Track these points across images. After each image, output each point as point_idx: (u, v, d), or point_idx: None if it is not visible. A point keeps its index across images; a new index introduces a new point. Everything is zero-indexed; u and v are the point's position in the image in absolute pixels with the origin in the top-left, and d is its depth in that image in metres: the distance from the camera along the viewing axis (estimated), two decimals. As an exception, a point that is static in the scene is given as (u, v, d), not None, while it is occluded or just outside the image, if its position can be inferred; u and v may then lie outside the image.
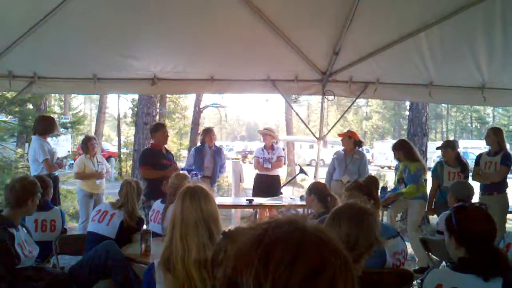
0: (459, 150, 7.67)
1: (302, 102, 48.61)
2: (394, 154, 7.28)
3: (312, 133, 7.83)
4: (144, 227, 5.00)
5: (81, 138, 8.47)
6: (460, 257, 2.52)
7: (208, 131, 8.24)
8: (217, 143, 8.83)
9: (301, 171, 9.61)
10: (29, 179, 4.16)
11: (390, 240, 3.48)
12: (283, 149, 10.53)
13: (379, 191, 6.96)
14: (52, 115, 10.25)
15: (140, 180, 5.69)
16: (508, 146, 7.13)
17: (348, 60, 6.48)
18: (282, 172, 10.67)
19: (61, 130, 14.48)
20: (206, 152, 7.99)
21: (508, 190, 6.80)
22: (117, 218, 4.60)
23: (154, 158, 6.78)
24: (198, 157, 7.91)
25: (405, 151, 7.03)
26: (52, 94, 24.53)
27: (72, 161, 9.70)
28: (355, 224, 2.27)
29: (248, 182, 9.81)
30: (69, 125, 15.55)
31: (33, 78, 6.40)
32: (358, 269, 2.23)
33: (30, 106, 14.07)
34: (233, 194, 9.68)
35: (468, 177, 7.01)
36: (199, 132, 17.93)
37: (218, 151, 8.20)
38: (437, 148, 7.42)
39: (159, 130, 7.04)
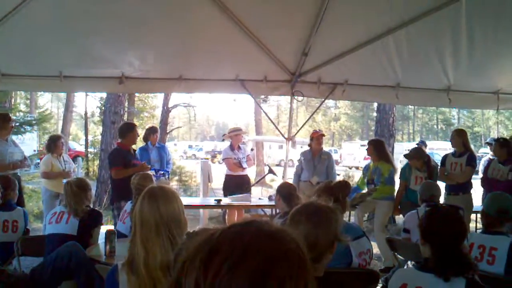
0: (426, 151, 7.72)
1: (272, 103, 48.74)
2: (367, 150, 7.35)
3: (281, 133, 7.86)
4: (112, 228, 4.92)
5: (47, 137, 8.29)
6: (425, 257, 2.55)
7: (152, 130, 8.21)
8: (187, 143, 8.81)
9: (270, 171, 9.60)
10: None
11: (356, 240, 3.50)
12: (252, 149, 10.54)
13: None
14: (17, 113, 10.06)
15: (108, 180, 5.60)
16: (472, 147, 7.24)
17: (317, 61, 6.51)
18: (251, 172, 10.67)
19: (27, 128, 14.21)
20: (151, 150, 7.97)
21: (472, 191, 6.92)
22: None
23: (125, 158, 6.65)
24: (144, 155, 7.83)
25: (380, 152, 7.11)
26: (18, 92, 24.05)
27: (38, 160, 9.49)
28: (313, 223, 2.23)
29: (217, 182, 9.77)
30: (34, 123, 15.25)
31: (-4, 75, 6.26)
32: (319, 269, 2.20)
33: (-6, 104, 13.75)
34: (201, 194, 9.62)
35: (436, 180, 7.09)
36: (167, 131, 17.82)
37: (162, 148, 8.28)
38: (405, 156, 7.46)
39: (132, 130, 6.88)
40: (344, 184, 4.32)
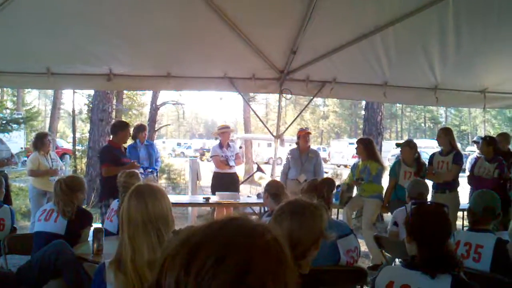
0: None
1: (261, 101, 48.80)
2: (357, 149, 7.37)
3: (269, 131, 7.87)
4: (99, 226, 4.88)
5: (34, 134, 8.24)
6: (412, 254, 2.57)
7: (141, 128, 8.14)
8: (175, 141, 8.78)
9: (258, 169, 9.62)
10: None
11: (344, 238, 3.51)
12: (240, 147, 10.54)
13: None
14: (3, 111, 9.98)
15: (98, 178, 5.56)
16: (459, 145, 7.29)
17: (305, 59, 6.52)
18: (239, 170, 10.67)
19: (14, 126, 14.12)
20: (139, 148, 7.92)
21: (459, 189, 6.98)
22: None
23: (115, 156, 6.62)
24: (132, 153, 7.79)
25: (369, 151, 7.14)
26: (5, 89, 23.82)
27: (25, 158, 9.41)
28: (297, 220, 2.23)
29: (206, 180, 9.77)
30: (21, 121, 15.15)
31: (-18, 72, 6.19)
32: (304, 265, 2.20)
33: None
34: (189, 192, 9.62)
35: (424, 177, 7.14)
36: (156, 129, 17.75)
37: (151, 145, 8.22)
38: (397, 145, 7.52)
39: (124, 129, 6.85)
40: (329, 181, 4.34)
